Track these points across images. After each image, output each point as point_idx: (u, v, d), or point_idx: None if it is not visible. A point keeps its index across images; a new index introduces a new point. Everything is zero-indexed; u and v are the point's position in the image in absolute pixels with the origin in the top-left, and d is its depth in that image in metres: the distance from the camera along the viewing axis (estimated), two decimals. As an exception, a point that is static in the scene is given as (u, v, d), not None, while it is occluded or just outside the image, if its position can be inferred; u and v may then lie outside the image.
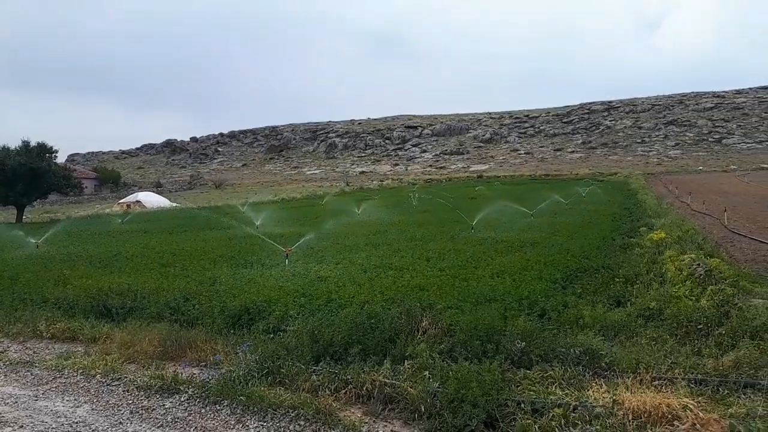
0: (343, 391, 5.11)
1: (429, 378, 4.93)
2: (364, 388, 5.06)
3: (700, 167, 77.98)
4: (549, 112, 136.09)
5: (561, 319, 6.80)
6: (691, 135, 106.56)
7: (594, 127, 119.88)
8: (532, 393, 4.78)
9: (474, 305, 7.14)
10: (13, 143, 38.79)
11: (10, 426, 4.88)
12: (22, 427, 4.86)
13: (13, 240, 18.85)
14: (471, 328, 5.86)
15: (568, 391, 4.77)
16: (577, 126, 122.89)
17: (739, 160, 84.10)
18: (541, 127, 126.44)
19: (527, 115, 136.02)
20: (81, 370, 6.27)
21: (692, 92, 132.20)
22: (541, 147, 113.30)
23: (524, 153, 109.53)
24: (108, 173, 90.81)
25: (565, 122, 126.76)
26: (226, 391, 5.26)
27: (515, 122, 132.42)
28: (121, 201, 50.01)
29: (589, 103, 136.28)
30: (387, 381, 5.07)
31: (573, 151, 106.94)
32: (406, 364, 5.37)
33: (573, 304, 7.45)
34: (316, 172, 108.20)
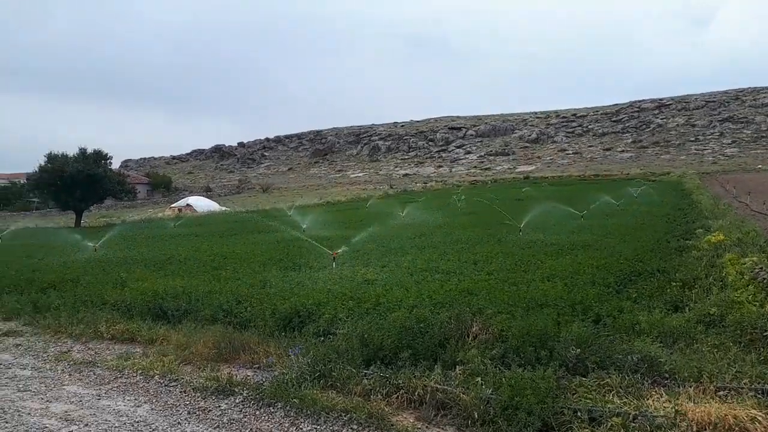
0: (395, 395, 5.11)
1: (482, 384, 4.87)
2: (416, 393, 5.04)
3: (759, 165, 74.60)
4: (597, 111, 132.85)
5: (616, 324, 6.61)
6: (749, 132, 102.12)
7: (645, 126, 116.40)
8: (588, 401, 4.66)
9: (525, 310, 7.02)
10: (71, 151, 40.49)
11: (76, 424, 5.08)
12: (87, 425, 5.05)
13: (73, 243, 19.68)
14: (523, 334, 5.77)
15: (626, 400, 4.63)
16: (627, 125, 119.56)
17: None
18: (589, 126, 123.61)
19: (575, 114, 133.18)
20: (140, 371, 6.47)
21: (749, 87, 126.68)
22: (590, 146, 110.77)
23: (572, 153, 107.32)
24: (159, 178, 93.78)
25: (614, 121, 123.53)
26: (279, 394, 5.33)
27: (562, 121, 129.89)
28: (173, 205, 51.51)
29: (639, 101, 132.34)
30: (439, 386, 5.04)
31: (623, 151, 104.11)
32: (457, 369, 5.32)
33: (628, 309, 7.24)
34: (359, 175, 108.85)
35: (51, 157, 39.47)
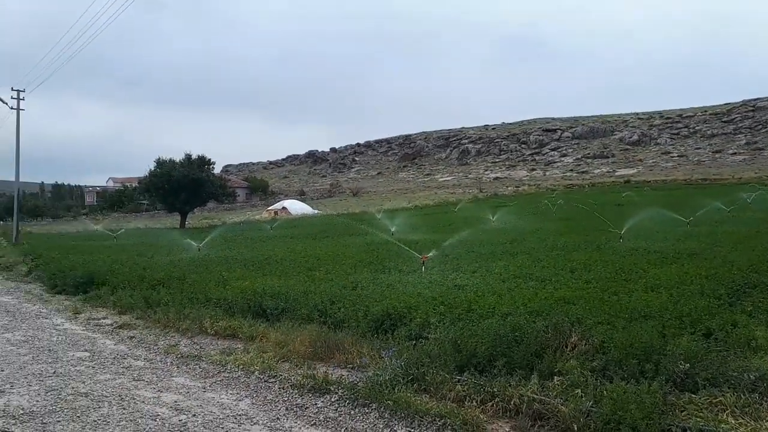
0: (490, 403, 5.03)
1: (582, 396, 4.69)
2: (512, 402, 4.93)
3: None
4: (706, 111, 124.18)
5: (729, 339, 6.13)
6: None
7: (761, 126, 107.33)
8: (699, 419, 4.37)
9: (627, 322, 6.67)
10: (177, 156, 43.20)
11: (185, 414, 5.41)
12: (195, 416, 5.36)
13: (179, 244, 21.00)
14: (626, 346, 5.48)
15: (742, 420, 4.31)
16: (740, 125, 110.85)
17: None
18: (696, 127, 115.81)
19: (680, 115, 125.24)
20: (241, 366, 6.79)
21: None
22: (697, 149, 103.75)
23: (677, 156, 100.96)
24: (257, 182, 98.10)
25: (725, 121, 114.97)
26: (374, 395, 5.41)
27: (666, 122, 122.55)
28: (269, 208, 53.72)
29: (754, 100, 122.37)
30: (536, 396, 4.90)
31: (735, 153, 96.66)
32: (555, 380, 5.15)
33: (743, 323, 6.69)
34: (448, 178, 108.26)
35: (159, 162, 42.35)
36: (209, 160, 44.47)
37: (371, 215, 35.83)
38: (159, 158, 42.62)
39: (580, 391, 4.78)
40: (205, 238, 21.66)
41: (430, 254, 12.89)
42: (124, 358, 7.48)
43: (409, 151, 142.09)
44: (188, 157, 43.00)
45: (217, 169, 56.53)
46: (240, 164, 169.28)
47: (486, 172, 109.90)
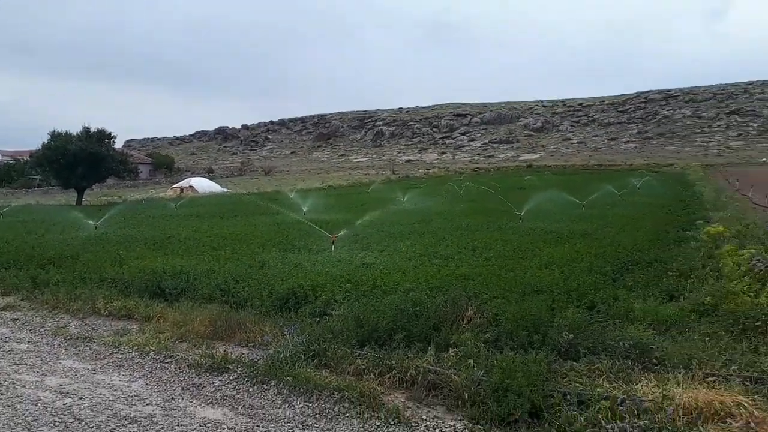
0: (388, 375, 5.16)
1: (473, 366, 4.91)
2: (408, 374, 5.09)
3: (764, 159, 74.30)
4: (604, 101, 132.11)
5: (611, 312, 6.64)
6: (756, 125, 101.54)
7: (651, 117, 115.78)
8: (578, 385, 4.71)
9: (521, 296, 7.05)
10: (75, 129, 40.43)
11: (70, 397, 5.14)
12: (81, 398, 5.11)
13: (74, 221, 19.73)
14: (517, 319, 5.80)
15: (615, 385, 4.67)
16: (633, 115, 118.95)
17: (807, 152, 79.68)
18: (595, 116, 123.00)
19: (581, 104, 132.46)
20: (136, 347, 6.53)
21: (758, 80, 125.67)
22: (595, 136, 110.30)
23: (577, 142, 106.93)
24: (162, 159, 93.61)
25: (620, 111, 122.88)
26: (273, 372, 5.39)
27: (568, 111, 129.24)
28: (175, 186, 51.53)
29: (647, 92, 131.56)
30: (431, 368, 5.08)
31: (628, 141, 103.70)
32: (450, 351, 5.37)
33: (623, 297, 7.27)
34: (362, 160, 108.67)
35: (54, 135, 39.40)
36: (109, 133, 41.84)
37: (284, 195, 35.32)
38: (54, 131, 39.67)
39: (472, 361, 5.00)
40: (103, 215, 20.50)
41: (341, 234, 12.92)
42: (5, 342, 6.97)
43: (324, 131, 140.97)
44: (86, 130, 40.27)
45: (119, 144, 53.41)
46: (144, 139, 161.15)
47: (399, 155, 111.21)
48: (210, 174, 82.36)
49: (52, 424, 4.60)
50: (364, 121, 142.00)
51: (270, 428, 4.48)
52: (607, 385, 4.65)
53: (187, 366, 5.89)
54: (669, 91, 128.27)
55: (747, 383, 4.51)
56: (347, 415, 4.66)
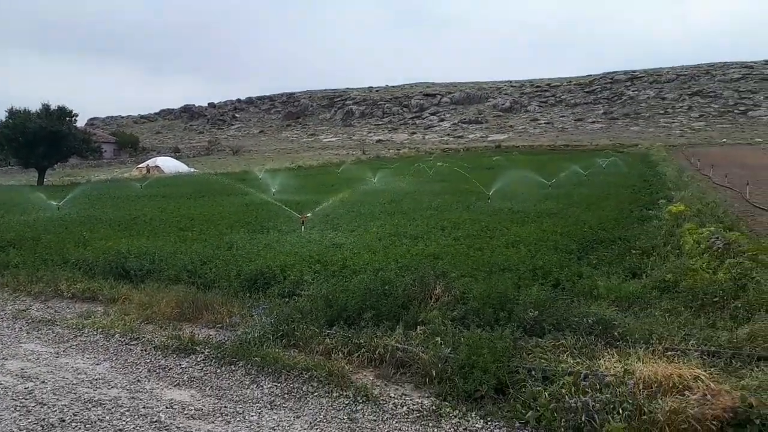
0: (356, 354, 5.19)
1: (441, 344, 4.97)
2: (377, 352, 5.12)
3: (724, 140, 76.32)
4: (571, 81, 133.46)
5: (575, 289, 6.78)
6: (716, 106, 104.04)
7: (616, 98, 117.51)
8: (543, 361, 4.80)
9: (488, 274, 7.14)
10: (34, 106, 39.11)
11: (32, 381, 5.04)
12: (43, 382, 5.01)
13: (35, 202, 19.18)
14: (484, 296, 5.87)
15: (579, 360, 4.78)
16: (599, 96, 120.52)
17: (764, 132, 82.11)
18: (562, 97, 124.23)
19: (549, 84, 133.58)
20: (100, 330, 6.42)
21: (719, 62, 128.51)
22: (562, 117, 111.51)
23: (544, 123, 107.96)
24: (127, 138, 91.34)
25: (586, 92, 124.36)
26: (241, 352, 5.36)
27: (536, 91, 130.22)
28: (140, 165, 50.41)
29: (612, 73, 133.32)
30: (399, 346, 5.13)
31: (594, 122, 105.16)
32: (418, 329, 5.42)
33: (588, 274, 7.42)
34: (332, 139, 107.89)
35: (12, 113, 38.02)
36: (71, 111, 40.56)
37: (252, 175, 34.89)
38: (11, 108, 38.28)
39: (440, 339, 5.06)
40: (66, 196, 19.96)
41: (310, 214, 12.85)
42: (-37, 326, 6.78)
43: (293, 109, 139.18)
44: (46, 107, 38.97)
45: (81, 122, 51.87)
46: (107, 117, 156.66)
47: (369, 135, 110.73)
48: (176, 153, 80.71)
49: (13, 409, 4.50)
50: (333, 100, 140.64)
51: (238, 409, 4.47)
52: (571, 361, 4.76)
53: (154, 348, 5.82)
54: (634, 72, 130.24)
55: (704, 357, 4.67)
56: (316, 394, 4.68)
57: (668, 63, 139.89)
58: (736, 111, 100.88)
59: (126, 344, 6.00)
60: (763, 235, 10.82)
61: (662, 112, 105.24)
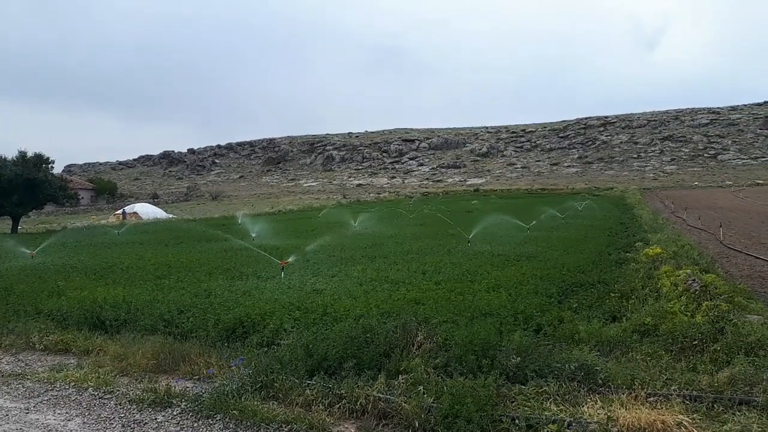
0: (337, 405, 5.07)
1: (423, 393, 4.90)
2: (358, 403, 5.02)
3: (696, 183, 78.34)
4: (545, 127, 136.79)
5: (556, 334, 6.78)
6: (687, 150, 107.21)
7: (590, 142, 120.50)
8: (526, 409, 4.75)
9: (470, 320, 7.12)
10: (10, 153, 38.77)
11: (0, 439, 4.84)
12: (12, 440, 4.81)
13: (8, 250, 18.79)
14: (466, 343, 5.83)
15: (562, 407, 4.75)
16: (574, 141, 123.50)
17: (734, 175, 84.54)
18: (537, 142, 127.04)
19: (524, 130, 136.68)
20: (73, 383, 6.21)
21: (688, 108, 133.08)
22: (538, 161, 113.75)
23: (521, 167, 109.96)
24: (104, 184, 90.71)
25: (561, 137, 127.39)
26: (219, 405, 5.22)
27: (512, 136, 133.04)
28: (118, 212, 49.90)
29: (586, 118, 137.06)
30: (381, 396, 5.04)
31: (569, 166, 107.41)
32: (400, 378, 5.33)
33: (569, 319, 7.43)
34: (313, 184, 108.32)
35: (-13, 160, 37.62)
36: (47, 158, 40.27)
37: (232, 220, 34.73)
38: (-13, 155, 37.88)
39: (422, 388, 4.99)
40: (40, 243, 19.61)
41: (291, 259, 12.77)
42: (-72, 382, 6.51)
43: (273, 155, 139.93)
44: (23, 155, 38.68)
45: (58, 169, 51.53)
46: (85, 164, 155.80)
47: (350, 179, 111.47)
48: (154, 199, 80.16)
49: (-23, 471, 4.30)
50: (313, 145, 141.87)
51: (216, 465, 4.32)
52: (555, 408, 4.72)
53: (128, 402, 5.63)
54: (607, 117, 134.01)
55: (686, 402, 4.67)
56: (296, 448, 4.55)
57: (639, 108, 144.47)
58: (705, 155, 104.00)
59: (99, 398, 5.80)
60: (737, 277, 11.02)
61: (635, 156, 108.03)
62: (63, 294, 10.15)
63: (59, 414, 5.44)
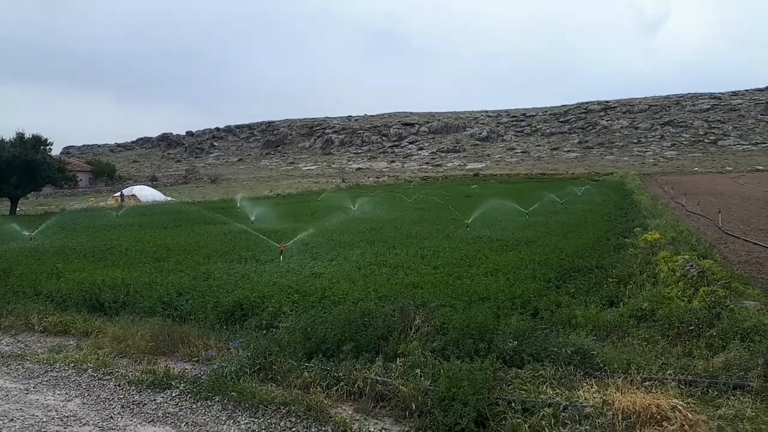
0: (335, 388, 5.11)
1: (420, 376, 4.93)
2: (356, 386, 5.05)
3: (696, 168, 78.23)
4: (546, 111, 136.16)
5: (553, 318, 6.82)
6: (687, 136, 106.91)
7: (591, 127, 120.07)
8: (523, 392, 4.79)
9: (467, 304, 7.15)
10: (8, 135, 38.63)
11: (0, 419, 4.87)
12: (12, 420, 4.84)
13: (7, 232, 18.79)
14: (463, 327, 5.86)
15: (558, 391, 4.78)
16: (574, 125, 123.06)
17: (734, 161, 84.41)
18: (537, 126, 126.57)
19: (524, 114, 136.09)
20: (73, 364, 6.25)
21: (689, 93, 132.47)
22: (538, 146, 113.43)
23: (521, 152, 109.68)
24: (103, 166, 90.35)
25: (562, 122, 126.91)
26: (217, 387, 5.25)
27: (512, 121, 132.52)
28: (116, 194, 49.80)
29: (586, 103, 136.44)
30: (379, 378, 5.07)
31: (569, 151, 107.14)
32: (398, 361, 5.36)
33: (566, 303, 7.47)
34: (312, 168, 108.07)
35: (-15, 142, 37.46)
36: (46, 140, 40.08)
37: (230, 203, 34.71)
38: (-16, 137, 37.70)
39: (419, 371, 5.02)
40: (39, 225, 19.60)
41: (289, 243, 12.78)
42: (-72, 363, 6.54)
43: (272, 138, 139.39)
44: (20, 136, 38.49)
45: (57, 151, 51.37)
46: (83, 146, 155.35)
47: (349, 163, 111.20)
48: (153, 182, 79.99)
49: (-22, 450, 4.34)
50: (313, 128, 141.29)
51: (214, 446, 4.36)
52: (551, 392, 4.75)
53: (127, 383, 5.67)
54: (607, 102, 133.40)
55: (682, 386, 4.70)
56: (293, 429, 4.58)
57: (640, 94, 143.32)
58: (706, 140, 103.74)
59: (99, 379, 5.84)
60: (735, 263, 11.04)
61: (635, 141, 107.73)
62: (62, 276, 10.17)
63: (59, 394, 5.47)
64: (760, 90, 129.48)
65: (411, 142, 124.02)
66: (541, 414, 4.28)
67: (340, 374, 5.21)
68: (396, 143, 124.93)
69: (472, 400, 4.45)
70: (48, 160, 39.16)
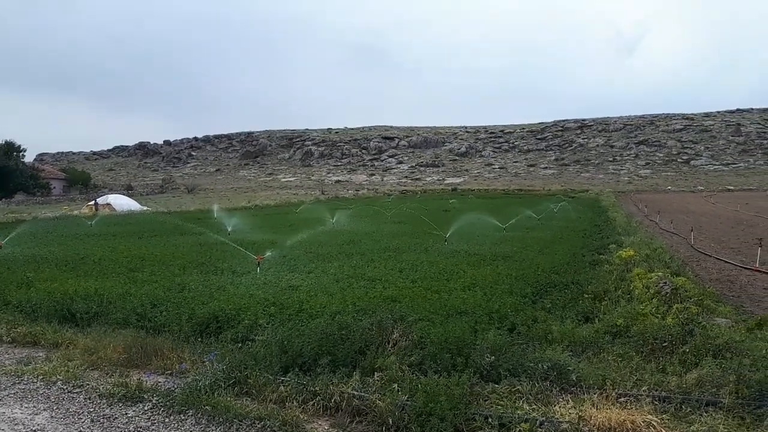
0: (311, 402, 5.06)
1: (398, 391, 4.91)
2: (332, 400, 5.01)
3: (669, 187, 79.82)
4: (524, 128, 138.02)
5: (530, 333, 6.85)
6: (661, 155, 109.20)
7: (567, 144, 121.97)
8: (499, 407, 4.80)
9: (445, 318, 7.16)
10: (-20, 141, 37.88)
11: (-37, 433, 4.72)
12: (-24, 434, 4.70)
13: (-24, 240, 18.30)
14: (441, 341, 5.86)
15: (535, 406, 4.80)
16: (551, 143, 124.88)
17: (705, 181, 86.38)
18: (515, 143, 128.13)
19: (502, 131, 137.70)
20: (41, 377, 6.09)
21: (663, 113, 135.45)
22: (515, 162, 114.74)
23: (498, 167, 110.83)
24: (77, 174, 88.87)
25: (539, 138, 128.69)
26: (191, 401, 5.16)
27: (490, 137, 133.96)
28: (90, 203, 48.93)
29: (563, 121, 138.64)
30: (355, 393, 5.03)
31: (546, 167, 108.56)
32: (375, 376, 5.33)
33: (542, 318, 7.52)
34: (291, 179, 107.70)
35: (-45, 147, 36.72)
36: (19, 146, 39.61)
37: (207, 214, 34.35)
38: (-46, 142, 36.99)
39: (397, 385, 5.00)
40: (9, 233, 19.14)
41: (267, 255, 12.68)
42: None
43: (251, 148, 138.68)
44: (-8, 142, 37.91)
45: (30, 158, 50.42)
46: (57, 153, 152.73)
47: (328, 175, 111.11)
48: (129, 191, 78.86)
49: (-61, 466, 4.18)
50: (292, 140, 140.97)
51: (187, 461, 4.27)
52: (527, 407, 4.77)
53: (98, 396, 5.54)
54: (584, 120, 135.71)
55: (656, 402, 4.75)
56: (269, 444, 4.52)
57: (616, 113, 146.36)
58: (679, 160, 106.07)
59: (68, 392, 5.69)
60: (707, 280, 11.26)
61: (611, 159, 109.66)
62: (32, 285, 9.93)
63: (26, 408, 5.32)
64: (731, 112, 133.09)
65: (391, 156, 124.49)
66: (518, 430, 4.29)
67: (317, 388, 5.16)
68: (376, 156, 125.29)
69: (449, 415, 4.44)
70: (21, 166, 38.56)
